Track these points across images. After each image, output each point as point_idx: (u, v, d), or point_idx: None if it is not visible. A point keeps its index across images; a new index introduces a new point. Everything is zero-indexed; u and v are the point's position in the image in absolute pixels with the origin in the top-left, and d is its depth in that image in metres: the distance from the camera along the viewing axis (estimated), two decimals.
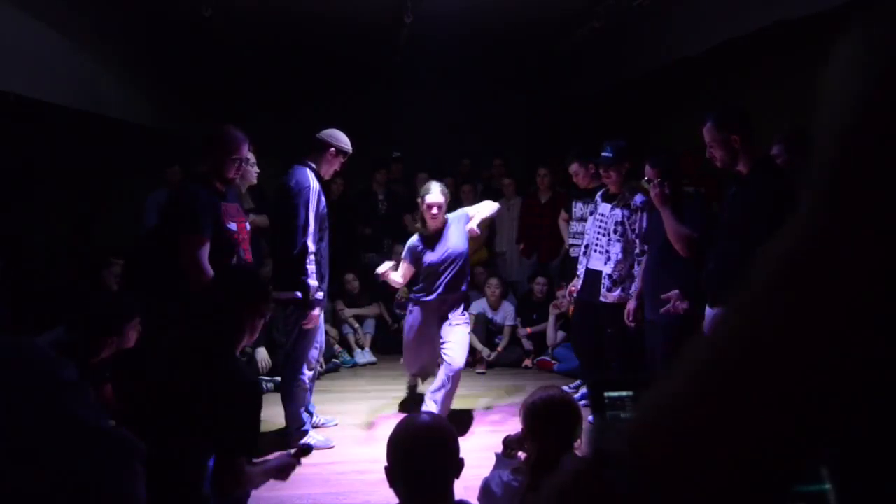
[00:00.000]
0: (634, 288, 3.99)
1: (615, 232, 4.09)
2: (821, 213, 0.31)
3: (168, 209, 3.13)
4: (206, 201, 2.99)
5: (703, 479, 0.31)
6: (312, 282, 3.55)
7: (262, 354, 4.78)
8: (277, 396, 3.98)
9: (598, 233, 4.21)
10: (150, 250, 3.27)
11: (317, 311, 3.64)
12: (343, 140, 3.77)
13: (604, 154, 4.06)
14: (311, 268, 3.56)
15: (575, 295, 4.40)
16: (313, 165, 3.70)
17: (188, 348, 2.05)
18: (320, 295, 3.68)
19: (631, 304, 3.93)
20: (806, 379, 0.30)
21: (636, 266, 4.01)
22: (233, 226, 3.16)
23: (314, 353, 3.82)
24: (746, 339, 0.32)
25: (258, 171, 4.03)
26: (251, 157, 4.01)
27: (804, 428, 0.31)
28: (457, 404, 4.28)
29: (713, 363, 0.33)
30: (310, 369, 3.81)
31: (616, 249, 4.09)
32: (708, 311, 3.01)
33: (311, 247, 3.55)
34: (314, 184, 3.62)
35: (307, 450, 2.20)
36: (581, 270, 4.35)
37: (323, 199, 3.68)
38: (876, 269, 0.28)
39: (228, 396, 1.90)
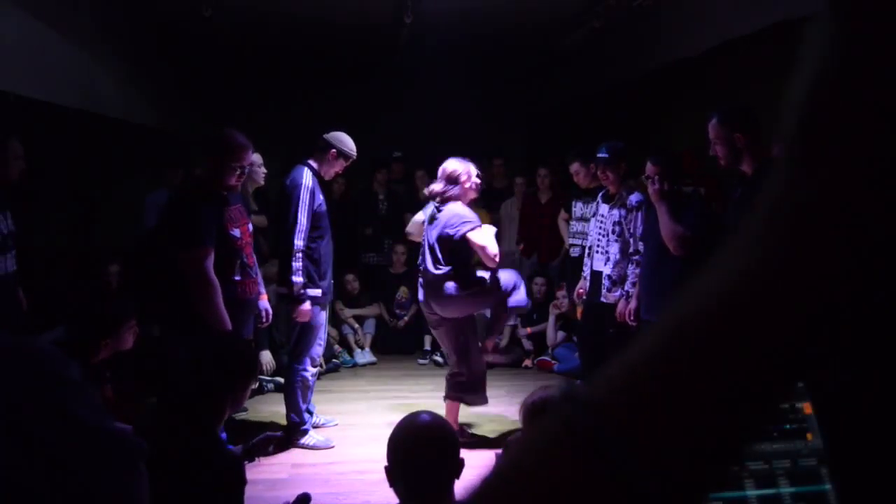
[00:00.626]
0: (629, 287, 4.00)
1: (613, 232, 4.12)
2: (796, 163, 0.31)
3: (168, 217, 3.09)
4: (207, 213, 2.98)
5: (673, 436, 0.31)
6: (297, 278, 3.58)
7: (267, 357, 4.78)
8: (277, 396, 3.99)
9: (599, 234, 4.23)
10: (149, 252, 3.26)
11: (305, 307, 3.62)
12: (347, 143, 3.78)
13: (599, 154, 4.08)
14: (298, 265, 3.58)
15: (584, 297, 4.40)
16: (314, 165, 3.72)
17: (169, 431, 1.90)
18: (317, 292, 3.69)
19: (633, 304, 3.93)
20: (790, 329, 0.30)
21: (631, 266, 4.02)
22: (236, 232, 3.16)
23: (318, 349, 3.83)
24: (726, 292, 0.31)
25: (265, 171, 4.03)
26: (258, 158, 4.04)
27: (788, 381, 0.32)
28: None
29: (693, 316, 0.32)
30: (313, 366, 3.83)
31: (614, 250, 4.11)
32: None
33: (298, 244, 3.58)
34: (307, 182, 3.64)
35: (306, 499, 2.15)
36: (587, 272, 4.37)
37: (319, 197, 3.69)
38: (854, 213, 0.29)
39: (212, 478, 1.83)
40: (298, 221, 3.58)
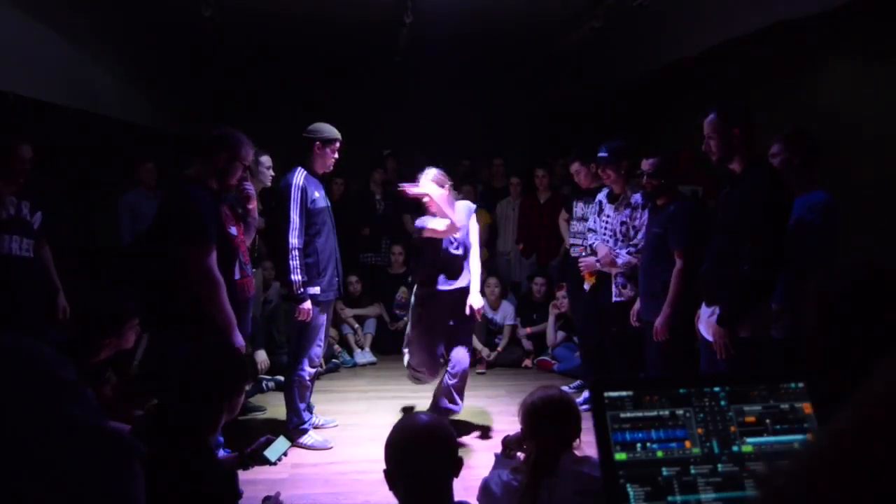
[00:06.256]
0: (615, 280, 4.04)
1: (621, 233, 4.12)
2: None
3: (167, 215, 2.96)
4: (210, 207, 2.93)
5: None
6: (295, 277, 3.59)
7: (262, 356, 4.79)
8: (277, 395, 3.98)
9: (606, 236, 4.22)
10: (145, 254, 3.17)
11: (305, 305, 3.63)
12: (324, 129, 3.77)
13: (600, 154, 4.11)
14: (294, 263, 3.60)
15: (585, 254, 4.36)
16: (306, 165, 3.73)
17: (163, 444, 1.84)
18: (316, 290, 3.69)
19: (636, 306, 3.93)
20: None
21: (623, 250, 4.04)
22: (233, 230, 3.14)
23: (317, 350, 3.83)
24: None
25: (273, 174, 4.03)
26: (268, 160, 4.05)
27: None
28: None
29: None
30: (312, 367, 3.82)
31: (623, 251, 4.11)
32: (703, 309, 3.00)
33: (293, 242, 3.60)
34: (298, 180, 3.66)
35: None
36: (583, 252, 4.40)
37: (314, 195, 3.70)
38: None
39: (201, 493, 1.81)
40: (291, 220, 3.60)
